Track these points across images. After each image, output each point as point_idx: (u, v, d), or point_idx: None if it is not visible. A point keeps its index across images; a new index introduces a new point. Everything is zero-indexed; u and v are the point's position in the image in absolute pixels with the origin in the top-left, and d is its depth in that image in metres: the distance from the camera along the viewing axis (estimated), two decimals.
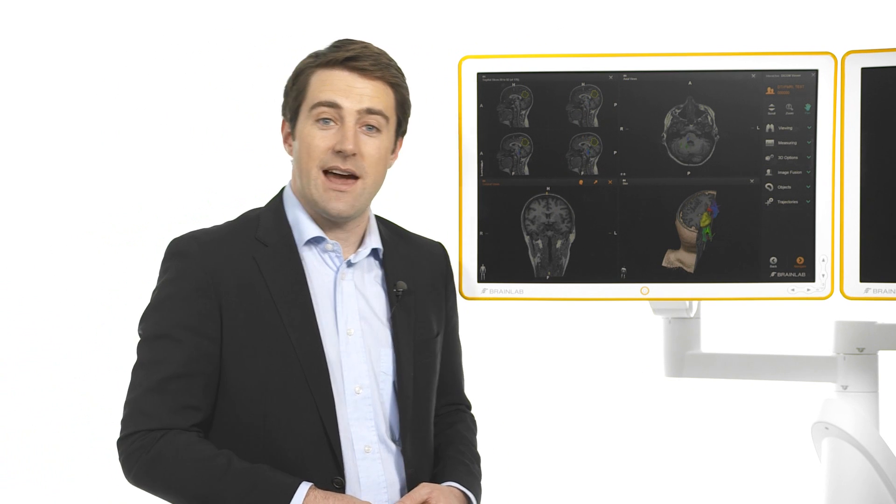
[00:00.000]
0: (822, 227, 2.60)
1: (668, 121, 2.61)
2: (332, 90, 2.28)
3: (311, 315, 2.27)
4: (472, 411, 2.58)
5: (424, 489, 2.26)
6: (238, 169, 3.85)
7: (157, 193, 3.88)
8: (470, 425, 2.54)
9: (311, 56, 2.33)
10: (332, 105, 2.27)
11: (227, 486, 2.18)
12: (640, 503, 3.95)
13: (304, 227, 2.33)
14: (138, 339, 2.29)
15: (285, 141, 2.37)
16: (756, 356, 2.77)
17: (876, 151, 2.56)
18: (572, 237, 2.63)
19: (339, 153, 2.27)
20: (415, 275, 2.41)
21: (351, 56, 2.28)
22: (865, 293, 2.57)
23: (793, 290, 2.61)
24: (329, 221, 2.33)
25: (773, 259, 2.61)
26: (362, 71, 2.28)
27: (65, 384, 3.86)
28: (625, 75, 2.61)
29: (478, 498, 2.38)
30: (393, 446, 2.33)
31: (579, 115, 2.61)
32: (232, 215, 2.41)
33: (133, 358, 2.29)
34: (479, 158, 2.63)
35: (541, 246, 2.64)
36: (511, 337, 3.86)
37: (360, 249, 2.36)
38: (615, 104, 2.61)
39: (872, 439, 2.63)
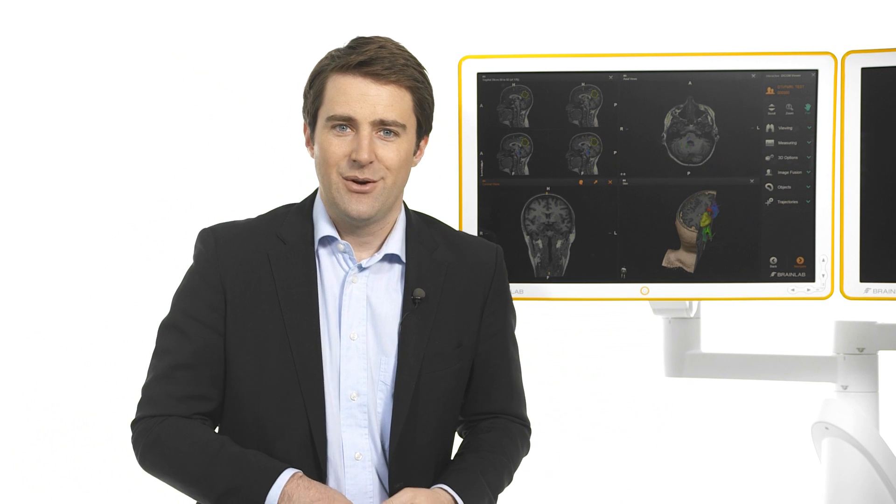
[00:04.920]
0: (822, 227, 2.60)
1: (668, 121, 2.61)
2: (347, 101, 2.23)
3: (315, 317, 2.26)
4: (530, 432, 2.45)
5: (406, 494, 2.19)
6: (261, 161, 3.84)
7: (178, 187, 3.88)
8: (511, 435, 2.40)
9: (328, 57, 2.29)
10: (346, 119, 2.24)
11: (216, 469, 2.20)
12: (641, 503, 3.95)
13: (320, 226, 2.32)
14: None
15: (307, 144, 2.35)
16: (756, 356, 2.77)
17: (876, 151, 2.56)
18: (572, 237, 2.63)
19: (356, 161, 2.23)
20: (446, 282, 2.33)
21: (365, 60, 2.23)
22: (865, 293, 2.57)
23: (793, 290, 2.61)
24: (350, 224, 2.30)
25: (773, 259, 2.61)
26: (376, 76, 2.23)
27: (80, 379, 3.87)
28: (625, 75, 2.61)
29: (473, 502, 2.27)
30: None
31: (579, 115, 2.61)
32: (254, 209, 2.40)
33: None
34: (479, 158, 2.63)
35: (541, 246, 2.64)
36: None
37: (374, 254, 2.32)
38: (615, 104, 2.61)
39: (872, 439, 2.63)
